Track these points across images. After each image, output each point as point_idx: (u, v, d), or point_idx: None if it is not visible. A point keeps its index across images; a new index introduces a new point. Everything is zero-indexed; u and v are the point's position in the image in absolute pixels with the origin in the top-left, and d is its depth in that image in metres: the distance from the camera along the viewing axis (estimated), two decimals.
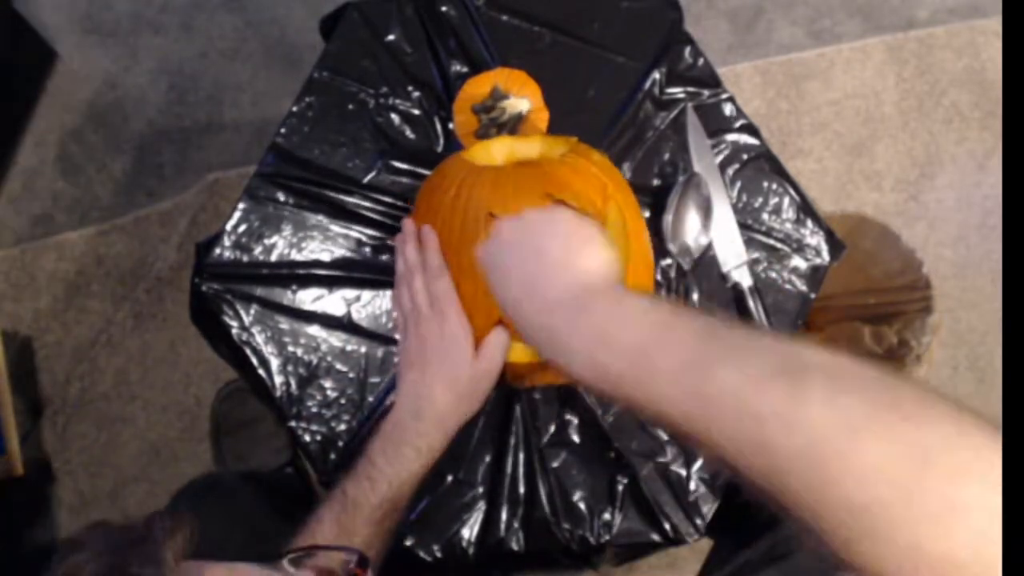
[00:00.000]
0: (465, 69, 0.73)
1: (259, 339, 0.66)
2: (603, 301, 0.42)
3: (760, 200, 0.73)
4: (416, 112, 0.72)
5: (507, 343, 0.55)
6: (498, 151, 0.65)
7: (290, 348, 0.66)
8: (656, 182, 0.73)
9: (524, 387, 0.66)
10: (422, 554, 0.64)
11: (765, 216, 0.73)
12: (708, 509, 0.66)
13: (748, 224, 0.72)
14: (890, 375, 0.31)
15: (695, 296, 0.70)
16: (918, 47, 1.36)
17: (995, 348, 1.27)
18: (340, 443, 0.65)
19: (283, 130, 0.70)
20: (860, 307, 1.06)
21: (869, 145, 1.32)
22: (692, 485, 0.66)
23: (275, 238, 0.68)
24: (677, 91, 0.74)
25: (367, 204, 0.69)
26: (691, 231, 0.69)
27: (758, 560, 0.63)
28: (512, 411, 0.66)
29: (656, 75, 0.74)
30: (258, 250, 0.68)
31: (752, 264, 0.71)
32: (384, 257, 0.68)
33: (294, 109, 0.70)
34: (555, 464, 0.66)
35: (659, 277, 0.70)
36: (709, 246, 0.70)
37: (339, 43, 0.72)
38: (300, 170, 0.69)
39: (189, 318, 0.70)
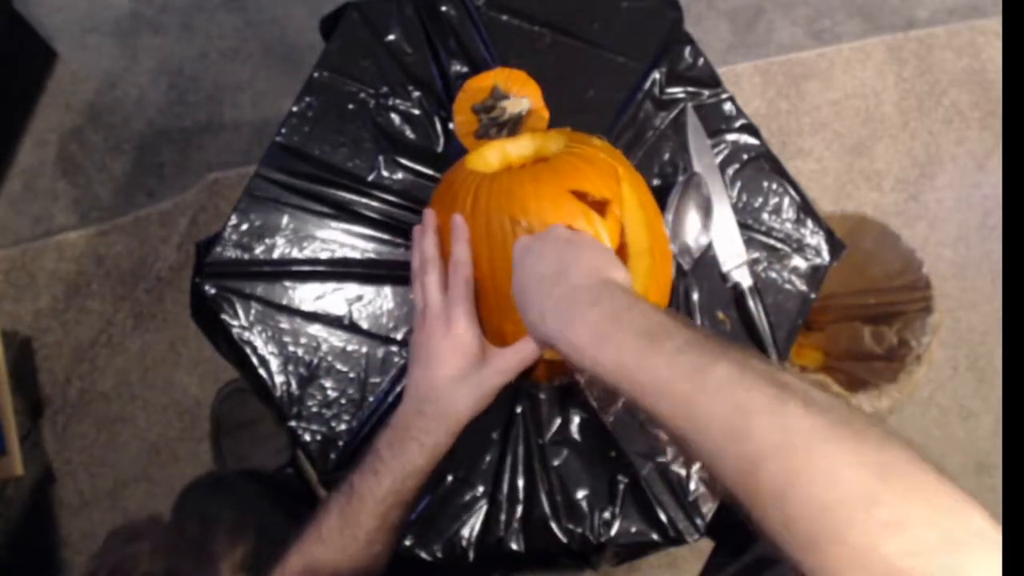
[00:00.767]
0: (465, 69, 0.73)
1: (259, 339, 0.66)
2: (619, 290, 0.46)
3: (760, 200, 0.73)
4: (416, 112, 0.72)
5: (531, 357, 0.55)
6: (493, 156, 0.65)
7: (290, 348, 0.66)
8: (656, 182, 0.73)
9: (529, 382, 0.65)
10: (422, 554, 0.64)
11: (765, 216, 0.73)
12: (708, 509, 0.66)
13: (748, 224, 0.72)
14: (853, 407, 0.35)
15: (695, 296, 0.70)
16: (918, 47, 1.36)
17: (995, 348, 1.27)
18: (340, 443, 0.65)
19: (283, 130, 0.70)
20: (860, 307, 1.06)
21: (869, 145, 1.32)
22: (692, 485, 0.66)
23: (275, 237, 0.68)
24: (677, 91, 0.74)
25: (367, 203, 0.69)
26: (691, 231, 0.69)
27: (758, 560, 0.63)
28: (514, 409, 0.66)
29: (656, 75, 0.74)
30: (259, 249, 0.68)
31: (752, 264, 0.71)
32: (384, 257, 0.68)
33: (294, 109, 0.70)
34: (556, 462, 0.66)
35: None
36: (709, 246, 0.70)
37: (339, 43, 0.72)
38: (300, 170, 0.69)
39: (189, 318, 0.70)
